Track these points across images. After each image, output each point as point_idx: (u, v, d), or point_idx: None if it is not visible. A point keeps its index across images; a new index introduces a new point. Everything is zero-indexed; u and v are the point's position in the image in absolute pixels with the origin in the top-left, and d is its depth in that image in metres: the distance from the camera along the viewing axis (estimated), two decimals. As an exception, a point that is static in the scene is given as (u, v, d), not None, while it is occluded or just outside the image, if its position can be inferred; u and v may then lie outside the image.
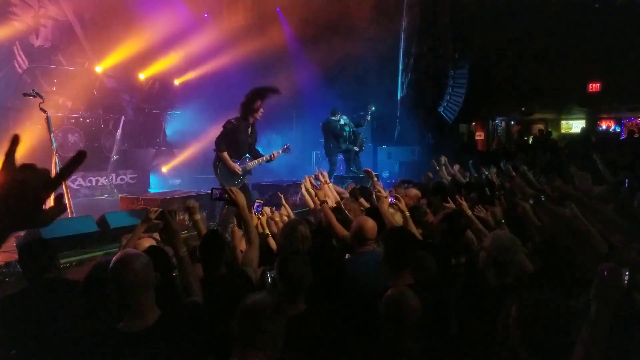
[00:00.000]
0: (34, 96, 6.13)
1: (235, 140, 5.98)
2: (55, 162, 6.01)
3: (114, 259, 2.11)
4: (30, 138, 9.84)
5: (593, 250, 2.52)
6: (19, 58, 11.43)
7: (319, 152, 15.00)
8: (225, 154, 5.90)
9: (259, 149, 6.41)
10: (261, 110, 6.06)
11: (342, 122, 10.34)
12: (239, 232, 3.39)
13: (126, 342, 1.98)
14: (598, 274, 1.65)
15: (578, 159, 9.85)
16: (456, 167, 6.51)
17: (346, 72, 14.30)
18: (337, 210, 4.14)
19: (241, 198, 3.14)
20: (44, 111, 6.10)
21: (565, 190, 2.80)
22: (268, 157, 6.14)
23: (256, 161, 6.13)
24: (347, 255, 3.38)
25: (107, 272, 2.21)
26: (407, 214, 3.70)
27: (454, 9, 14.40)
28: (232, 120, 5.98)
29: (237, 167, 5.95)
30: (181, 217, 6.68)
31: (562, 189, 2.82)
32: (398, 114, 14.21)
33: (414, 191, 5.14)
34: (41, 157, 9.47)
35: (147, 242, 3.32)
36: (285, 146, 6.42)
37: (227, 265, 2.90)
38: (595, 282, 1.64)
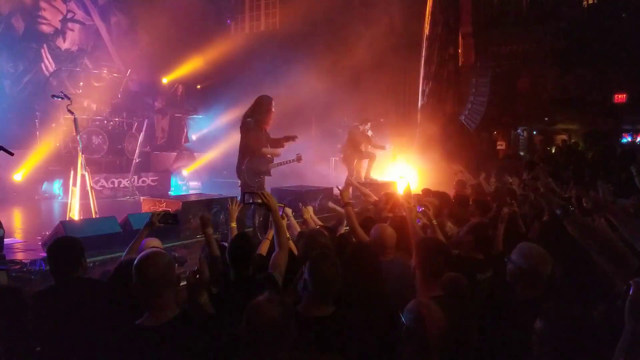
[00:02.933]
0: (62, 98, 6.24)
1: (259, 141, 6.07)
2: (81, 163, 6.09)
3: (139, 256, 2.16)
4: (55, 139, 10.06)
5: (625, 264, 2.43)
6: (46, 61, 11.70)
7: (337, 157, 15.01)
8: (266, 149, 6.02)
9: None
10: (273, 110, 6.18)
11: (369, 133, 10.60)
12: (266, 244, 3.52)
13: (143, 337, 2.01)
14: (631, 289, 1.59)
15: (602, 171, 9.67)
16: (482, 175, 6.43)
17: (366, 79, 14.29)
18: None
19: (274, 202, 3.17)
20: (72, 113, 6.21)
21: (601, 202, 2.72)
22: (282, 162, 6.27)
23: (274, 164, 6.22)
24: None
25: (131, 268, 2.27)
26: (435, 222, 3.66)
27: (476, 17, 14.30)
28: (250, 120, 6.03)
29: (277, 151, 6.11)
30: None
31: (597, 200, 2.74)
32: (418, 121, 14.13)
33: (430, 199, 5.06)
34: (66, 158, 9.70)
35: (153, 243, 3.35)
36: (298, 156, 6.41)
37: (255, 268, 2.92)
38: (629, 297, 1.58)
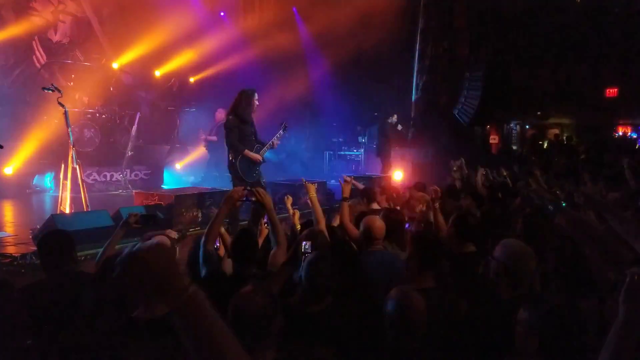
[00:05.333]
0: (53, 90, 6.18)
1: (243, 135, 5.99)
2: (72, 156, 6.06)
3: (141, 246, 2.11)
4: (47, 132, 9.98)
5: (616, 258, 2.45)
6: (37, 53, 11.57)
7: (331, 152, 15.03)
8: (247, 151, 5.91)
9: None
10: (256, 102, 6.07)
11: (399, 127, 10.69)
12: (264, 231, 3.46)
13: (138, 330, 2.00)
14: (627, 278, 1.63)
15: (593, 165, 9.74)
16: (480, 170, 6.40)
17: (361, 73, 14.27)
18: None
19: (268, 199, 3.13)
20: (62, 105, 6.16)
21: (592, 197, 2.73)
22: (272, 143, 6.14)
23: (264, 148, 6.13)
24: None
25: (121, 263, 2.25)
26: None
27: (470, 11, 14.30)
28: (230, 117, 5.96)
29: (258, 155, 6.00)
30: (194, 213, 6.73)
31: (588, 195, 2.75)
32: (412, 115, 14.16)
33: (420, 193, 5.10)
34: (58, 151, 9.61)
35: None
36: (283, 125, 6.27)
37: (258, 264, 2.91)
38: (625, 286, 1.61)
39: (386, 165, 10.66)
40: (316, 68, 13.37)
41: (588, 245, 2.41)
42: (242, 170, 5.93)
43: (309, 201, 3.92)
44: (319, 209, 3.75)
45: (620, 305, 1.58)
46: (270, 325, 1.89)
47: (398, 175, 11.15)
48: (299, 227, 3.94)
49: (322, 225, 3.55)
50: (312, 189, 3.91)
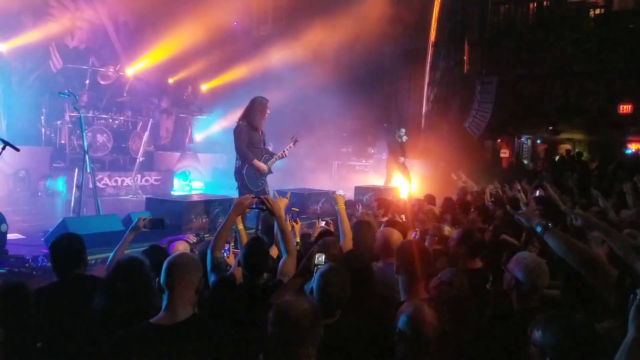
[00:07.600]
0: (69, 96, 6.28)
1: (252, 142, 6.00)
2: (86, 161, 6.13)
3: (172, 254, 2.24)
4: (61, 136, 10.11)
5: (605, 276, 2.42)
6: (54, 58, 11.76)
7: (339, 162, 15.03)
8: (255, 160, 5.92)
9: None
10: (268, 111, 6.10)
11: (404, 139, 10.73)
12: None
13: (156, 335, 2.04)
14: (638, 297, 1.62)
15: (606, 182, 9.64)
16: (489, 187, 6.39)
17: (371, 84, 14.31)
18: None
19: (278, 207, 3.08)
20: (77, 110, 6.25)
21: (589, 219, 2.75)
22: (281, 154, 6.16)
23: (272, 159, 6.14)
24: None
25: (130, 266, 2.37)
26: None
27: (483, 24, 14.32)
28: (241, 123, 5.96)
29: (265, 165, 6.01)
30: (204, 220, 6.75)
31: (586, 217, 2.76)
32: (422, 127, 14.15)
33: (429, 206, 5.10)
34: (71, 155, 9.76)
35: (182, 246, 3.36)
36: (293, 139, 6.27)
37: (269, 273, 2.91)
38: (634, 305, 1.60)
39: (386, 181, 10.65)
40: (326, 78, 13.40)
41: (576, 264, 2.39)
42: (249, 179, 5.94)
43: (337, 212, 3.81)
44: (347, 223, 3.61)
45: (630, 324, 1.58)
46: (315, 329, 1.91)
47: (404, 187, 11.08)
48: (298, 239, 3.82)
49: (349, 239, 3.50)
50: (341, 201, 3.78)
